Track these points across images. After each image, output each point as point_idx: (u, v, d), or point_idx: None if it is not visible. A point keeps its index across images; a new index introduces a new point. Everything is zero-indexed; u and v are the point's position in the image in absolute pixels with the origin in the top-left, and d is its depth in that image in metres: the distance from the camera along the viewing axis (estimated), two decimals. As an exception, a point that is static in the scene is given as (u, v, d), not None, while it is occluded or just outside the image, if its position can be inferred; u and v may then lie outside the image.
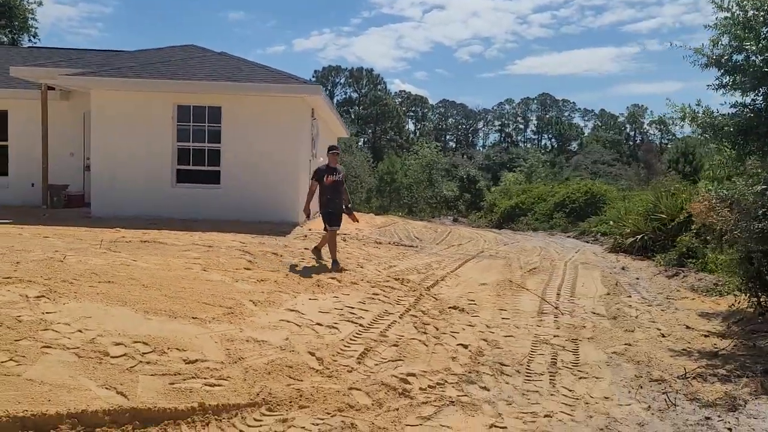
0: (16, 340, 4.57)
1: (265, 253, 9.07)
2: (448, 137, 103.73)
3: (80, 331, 4.94)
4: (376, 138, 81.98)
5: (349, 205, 9.35)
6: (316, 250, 9.35)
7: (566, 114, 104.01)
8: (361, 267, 9.10)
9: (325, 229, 9.11)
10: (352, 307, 6.71)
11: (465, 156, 77.71)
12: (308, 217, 9.39)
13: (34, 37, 28.43)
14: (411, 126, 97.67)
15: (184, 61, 13.88)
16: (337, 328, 5.91)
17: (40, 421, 3.60)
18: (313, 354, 5.19)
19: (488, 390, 4.74)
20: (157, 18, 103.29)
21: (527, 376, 5.08)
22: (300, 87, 12.71)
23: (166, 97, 12.65)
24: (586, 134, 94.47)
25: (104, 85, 12.55)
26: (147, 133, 12.72)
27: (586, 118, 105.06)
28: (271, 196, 12.78)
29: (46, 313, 5.18)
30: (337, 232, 9.20)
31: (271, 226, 12.17)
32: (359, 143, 67.25)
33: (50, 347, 4.57)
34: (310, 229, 12.32)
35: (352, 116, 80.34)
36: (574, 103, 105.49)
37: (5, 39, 27.68)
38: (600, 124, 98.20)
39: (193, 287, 6.54)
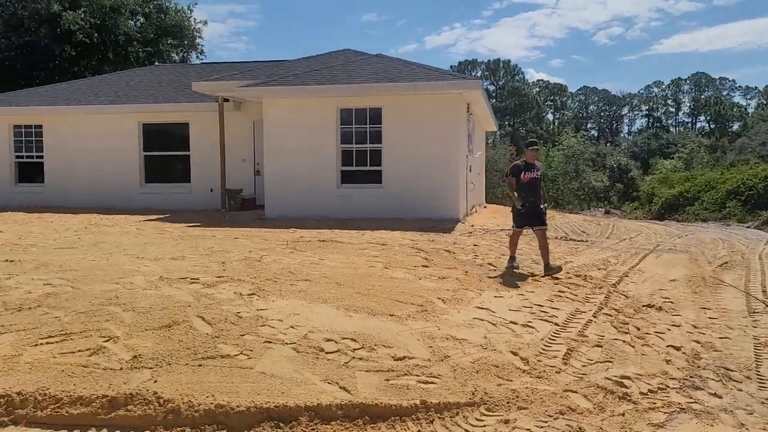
0: (241, 335, 4.91)
1: (438, 250, 9.12)
2: (589, 125, 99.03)
3: (293, 327, 5.21)
4: (514, 130, 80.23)
5: (544, 205, 8.58)
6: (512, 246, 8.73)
7: (725, 93, 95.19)
8: (537, 263, 8.85)
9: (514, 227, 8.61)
10: (542, 306, 6.52)
11: (610, 144, 73.72)
12: (522, 207, 8.39)
13: (200, 54, 31.06)
14: (550, 116, 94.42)
15: (343, 66, 14.37)
16: (533, 327, 5.76)
17: (282, 412, 3.82)
18: (516, 354, 5.09)
19: (720, 397, 4.36)
20: (294, 27, 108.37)
21: (761, 382, 4.62)
22: (461, 82, 12.74)
23: (330, 101, 13.17)
24: (750, 114, 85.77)
25: (275, 94, 13.33)
26: (313, 137, 13.33)
27: (748, 97, 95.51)
28: (432, 194, 12.87)
29: (260, 309, 5.53)
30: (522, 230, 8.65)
31: (433, 223, 12.25)
32: (499, 136, 66.16)
33: (271, 342, 4.86)
34: (472, 225, 12.25)
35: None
36: (733, 80, 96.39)
37: (176, 57, 30.46)
38: (766, 102, 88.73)
39: (381, 285, 6.69)
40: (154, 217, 14.06)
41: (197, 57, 31.58)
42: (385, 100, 12.94)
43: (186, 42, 29.75)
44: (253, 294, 5.91)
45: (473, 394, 4.31)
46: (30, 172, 18.00)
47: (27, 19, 24.46)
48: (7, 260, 7.35)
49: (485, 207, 20.57)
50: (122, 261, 7.42)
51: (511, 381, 4.61)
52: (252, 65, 18.03)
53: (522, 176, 8.35)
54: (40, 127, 17.65)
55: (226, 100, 15.62)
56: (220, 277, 6.45)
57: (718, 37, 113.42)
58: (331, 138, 13.23)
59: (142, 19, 27.26)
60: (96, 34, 25.11)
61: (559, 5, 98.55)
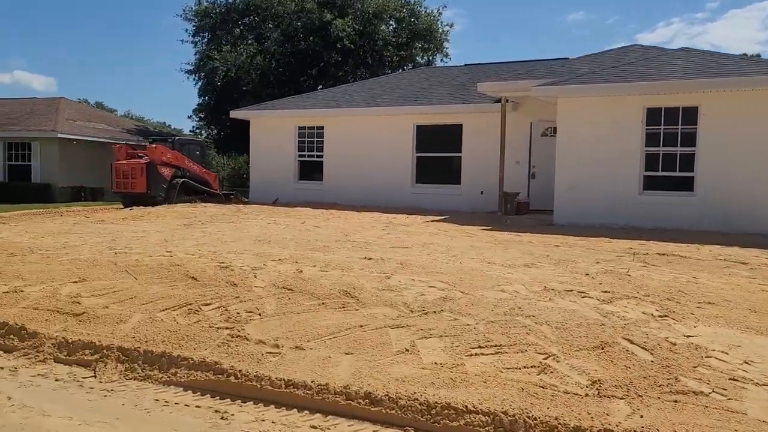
0: (693, 367, 4.20)
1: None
2: None
3: (746, 362, 4.39)
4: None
5: None
6: None
7: None
8: None
9: None
10: None
11: None
12: None
13: (445, 57, 31.53)
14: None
15: (645, 62, 13.14)
16: None
17: None
18: None
19: None
20: (499, 29, 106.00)
21: None
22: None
23: (634, 100, 12.06)
24: None
25: (573, 93, 12.57)
26: (613, 139, 12.32)
27: None
28: (760, 204, 11.13)
29: (688, 336, 4.78)
30: None
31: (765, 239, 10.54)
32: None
33: (736, 380, 4.09)
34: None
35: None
36: None
37: (420, 60, 31.27)
38: None
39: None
40: (437, 218, 14.14)
41: (441, 60, 32.14)
42: (704, 97, 11.48)
43: (433, 45, 30.37)
44: (665, 316, 5.20)
45: None
46: (309, 170, 19.45)
47: (301, 29, 26.73)
48: (365, 258, 7.54)
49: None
50: (475, 265, 7.20)
51: None
52: (526, 65, 17.53)
53: None
54: (322, 128, 18.94)
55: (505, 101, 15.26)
56: (606, 292, 5.85)
57: None
58: (635, 140, 12.10)
59: (393, 24, 28.35)
60: (358, 40, 26.61)
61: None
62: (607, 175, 12.34)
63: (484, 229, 11.75)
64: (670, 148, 11.94)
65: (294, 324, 5.17)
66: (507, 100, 14.85)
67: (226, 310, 5.57)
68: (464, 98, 16.46)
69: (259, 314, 5.43)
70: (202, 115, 37.26)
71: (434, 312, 5.24)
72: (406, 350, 4.43)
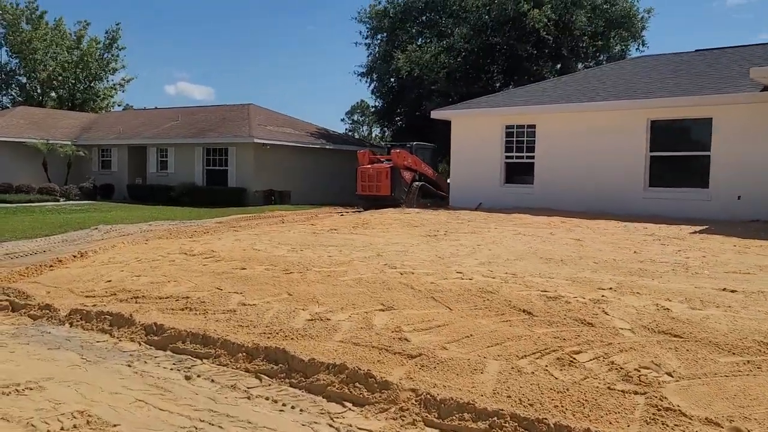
0: None
1: None
2: None
3: None
4: None
5: None
6: None
7: None
8: None
9: None
10: None
11: None
12: None
13: (642, 45, 28.52)
14: None
15: None
16: None
17: None
18: None
19: None
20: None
21: None
22: None
23: None
24: None
25: None
26: None
27: None
28: None
29: None
30: None
31: None
32: None
33: None
34: None
35: None
36: None
37: (615, 50, 28.54)
38: None
39: None
40: (698, 228, 12.02)
41: (637, 50, 29.15)
42: None
43: (630, 34, 27.54)
44: None
45: None
46: (516, 172, 17.96)
47: (490, 22, 25.32)
48: (724, 289, 5.91)
49: None
50: None
51: None
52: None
53: None
54: (533, 126, 17.37)
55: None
56: None
57: None
58: None
59: (589, 12, 25.98)
60: (554, 30, 24.69)
61: None
62: None
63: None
64: None
65: (732, 392, 3.74)
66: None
67: (611, 362, 4.27)
68: (716, 88, 14.07)
69: (667, 373, 4.05)
70: (375, 117, 37.15)
71: None
72: None
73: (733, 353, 4.30)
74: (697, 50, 18.48)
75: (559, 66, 26.79)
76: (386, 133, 39.71)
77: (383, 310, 5.63)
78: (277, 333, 5.24)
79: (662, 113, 14.96)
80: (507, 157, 17.98)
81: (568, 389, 3.96)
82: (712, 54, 17.57)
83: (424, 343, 4.86)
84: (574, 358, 4.40)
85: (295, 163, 26.85)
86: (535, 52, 24.99)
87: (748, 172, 13.53)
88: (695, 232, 11.31)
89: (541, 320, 5.13)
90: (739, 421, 3.43)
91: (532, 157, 17.40)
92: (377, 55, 32.95)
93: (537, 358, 4.46)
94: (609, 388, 3.96)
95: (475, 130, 18.52)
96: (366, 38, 33.55)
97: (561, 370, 4.27)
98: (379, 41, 33.42)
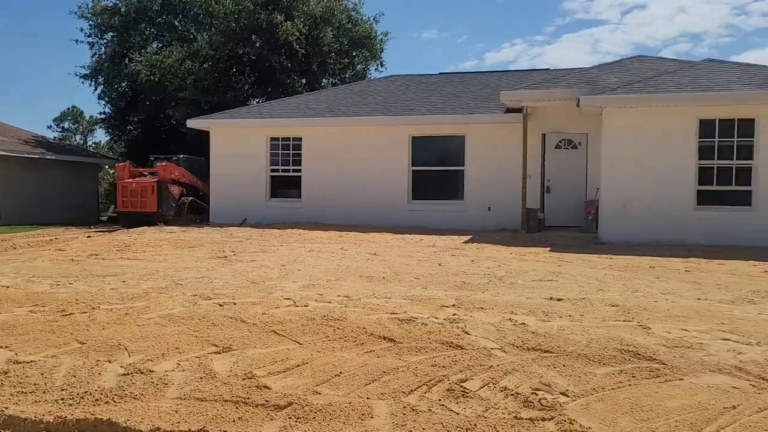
0: None
1: None
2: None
3: None
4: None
5: None
6: None
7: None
8: None
9: None
10: None
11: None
12: None
13: (381, 66, 30.43)
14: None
15: (703, 72, 12.77)
16: None
17: None
18: None
19: None
20: None
21: None
22: None
23: (686, 111, 11.58)
24: None
25: (619, 103, 11.88)
26: (663, 151, 11.77)
27: None
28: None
29: None
30: None
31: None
32: None
33: None
34: None
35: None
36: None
37: (360, 66, 29.88)
38: None
39: None
40: (464, 237, 12.89)
41: (376, 69, 31.00)
42: (761, 110, 11.21)
43: (372, 53, 29.14)
44: None
45: None
46: (282, 186, 17.47)
47: (240, 30, 24.44)
48: (551, 298, 6.14)
49: None
50: (687, 303, 6.04)
51: None
52: (550, 73, 16.96)
53: None
54: (299, 139, 17.07)
55: (515, 110, 14.37)
56: None
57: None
58: (688, 152, 11.61)
59: (335, 31, 26.80)
60: (305, 44, 24.82)
61: (623, 21, 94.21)
62: (657, 188, 11.78)
63: (550, 251, 10.68)
64: (726, 162, 11.58)
65: (627, 406, 3.74)
66: (527, 110, 13.94)
67: (503, 387, 4.01)
68: (464, 108, 15.40)
69: (561, 392, 3.93)
70: (105, 125, 33.16)
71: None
72: None
73: (604, 364, 4.34)
74: (440, 73, 20.18)
75: (304, 80, 27.09)
76: (117, 143, 35.79)
77: (219, 353, 4.62)
78: (82, 397, 3.88)
79: (422, 130, 15.89)
80: (273, 170, 17.38)
81: (476, 425, 3.53)
82: (455, 77, 19.30)
83: (289, 388, 4.02)
84: (465, 387, 4.01)
85: (5, 177, 22.46)
86: (289, 64, 24.83)
87: (495, 185, 15.03)
88: (467, 242, 12.08)
89: (408, 347, 4.68)
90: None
91: (299, 171, 17.08)
92: (104, 56, 29.65)
93: (425, 392, 3.97)
94: (516, 417, 3.63)
95: (238, 142, 17.56)
96: (89, 36, 29.99)
97: (457, 403, 3.83)
98: (106, 41, 30.13)
